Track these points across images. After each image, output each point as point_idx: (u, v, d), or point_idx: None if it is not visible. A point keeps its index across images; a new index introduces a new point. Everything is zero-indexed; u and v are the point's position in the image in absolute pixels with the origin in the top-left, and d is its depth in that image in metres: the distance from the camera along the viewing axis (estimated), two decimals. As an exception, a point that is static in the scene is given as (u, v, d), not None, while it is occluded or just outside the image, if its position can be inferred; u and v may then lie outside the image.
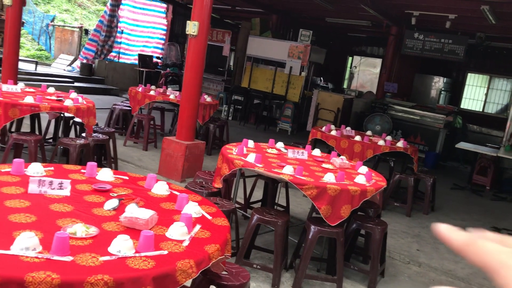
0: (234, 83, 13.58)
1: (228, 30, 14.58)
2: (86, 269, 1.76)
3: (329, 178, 3.87)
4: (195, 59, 6.13)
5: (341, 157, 4.87)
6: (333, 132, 6.89)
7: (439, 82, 14.21)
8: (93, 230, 2.08)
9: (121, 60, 15.82)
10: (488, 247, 0.43)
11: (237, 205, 4.58)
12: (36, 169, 2.78)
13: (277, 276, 3.81)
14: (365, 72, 16.51)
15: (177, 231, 2.18)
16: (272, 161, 4.28)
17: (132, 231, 2.15)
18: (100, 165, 4.12)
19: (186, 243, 2.13)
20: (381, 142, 6.72)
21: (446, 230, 0.47)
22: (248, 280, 2.67)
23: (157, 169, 6.36)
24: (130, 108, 8.03)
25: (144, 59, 14.77)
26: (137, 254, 1.94)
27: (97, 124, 6.07)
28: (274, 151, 4.78)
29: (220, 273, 2.57)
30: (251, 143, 4.80)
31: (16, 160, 2.75)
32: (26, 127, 6.87)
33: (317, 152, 4.99)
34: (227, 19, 17.17)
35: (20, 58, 8.30)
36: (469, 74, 14.73)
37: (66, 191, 2.51)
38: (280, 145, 5.02)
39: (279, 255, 3.79)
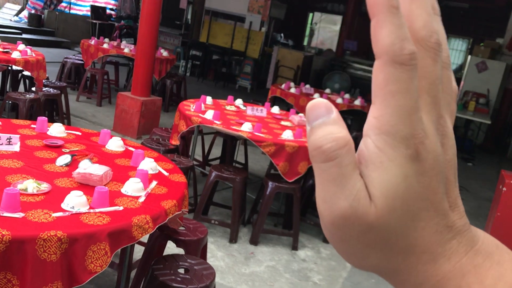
0: (192, 38, 13.26)
1: (186, -18, 14.07)
2: (38, 225, 1.71)
3: (287, 135, 3.89)
4: (151, 10, 5.90)
5: (300, 114, 4.89)
6: (292, 90, 6.90)
7: (396, 41, 14.36)
8: (45, 186, 2.01)
9: (72, 11, 15.06)
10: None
11: (195, 162, 4.56)
12: (-19, 123, 2.64)
13: (235, 231, 3.86)
14: (325, 29, 16.48)
15: (133, 187, 2.15)
16: (231, 118, 4.25)
17: (86, 187, 2.10)
18: (52, 121, 3.96)
19: (142, 199, 2.10)
20: (339, 100, 6.79)
21: None
22: (205, 235, 2.69)
23: (112, 126, 6.21)
24: (82, 62, 7.71)
25: (97, 11, 14.12)
26: (91, 210, 1.90)
27: (47, 78, 5.81)
28: (233, 108, 4.74)
29: (177, 228, 2.56)
30: (209, 99, 4.74)
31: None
32: (-30, 80, 6.50)
33: (276, 109, 4.98)
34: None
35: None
36: (425, 34, 14.95)
37: (16, 147, 2.41)
38: (239, 102, 4.97)
39: (237, 210, 3.82)
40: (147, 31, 5.96)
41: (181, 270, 2.31)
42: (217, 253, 3.67)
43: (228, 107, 4.70)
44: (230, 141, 4.93)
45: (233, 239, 3.85)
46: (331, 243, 0.31)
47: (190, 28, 13.69)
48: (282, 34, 15.15)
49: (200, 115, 4.06)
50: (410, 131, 0.27)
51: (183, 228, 2.64)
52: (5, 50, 5.46)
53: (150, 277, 2.22)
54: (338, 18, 15.26)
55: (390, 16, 0.27)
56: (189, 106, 4.33)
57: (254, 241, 3.90)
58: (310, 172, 4.17)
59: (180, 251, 2.62)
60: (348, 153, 0.28)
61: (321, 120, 0.28)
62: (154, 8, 5.89)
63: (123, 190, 2.15)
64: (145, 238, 2.39)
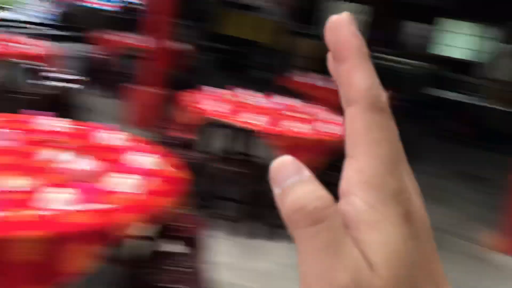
0: (211, 30, 13.10)
1: None
2: (20, 224, 1.63)
3: (301, 128, 3.74)
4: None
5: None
6: (307, 80, 6.72)
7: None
8: (29, 182, 1.89)
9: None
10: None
11: (202, 156, 4.43)
12: None
13: (243, 226, 3.76)
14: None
15: (131, 183, 2.01)
16: (243, 110, 4.08)
17: (75, 183, 1.97)
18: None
19: (141, 196, 1.97)
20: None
21: None
22: (206, 229, 2.57)
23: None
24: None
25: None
26: (81, 207, 1.78)
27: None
28: (246, 99, 4.58)
29: (179, 224, 2.46)
30: (222, 91, 4.59)
31: None
32: None
33: (290, 101, 4.80)
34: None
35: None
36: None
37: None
38: (251, 93, 4.82)
39: (243, 204, 3.74)
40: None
41: (180, 267, 2.21)
42: (223, 248, 3.55)
43: (239, 99, 4.54)
44: (241, 134, 4.79)
45: (240, 233, 3.76)
46: None
47: (210, 20, 13.62)
48: (302, 24, 14.96)
49: (211, 107, 3.93)
50: (398, 185, 0.24)
51: (184, 224, 2.54)
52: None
53: (146, 275, 2.13)
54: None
55: (364, 61, 0.25)
56: (201, 99, 4.19)
57: (264, 236, 3.81)
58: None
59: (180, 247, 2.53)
60: (337, 214, 0.23)
61: (294, 179, 0.24)
62: None
63: (119, 186, 2.02)
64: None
